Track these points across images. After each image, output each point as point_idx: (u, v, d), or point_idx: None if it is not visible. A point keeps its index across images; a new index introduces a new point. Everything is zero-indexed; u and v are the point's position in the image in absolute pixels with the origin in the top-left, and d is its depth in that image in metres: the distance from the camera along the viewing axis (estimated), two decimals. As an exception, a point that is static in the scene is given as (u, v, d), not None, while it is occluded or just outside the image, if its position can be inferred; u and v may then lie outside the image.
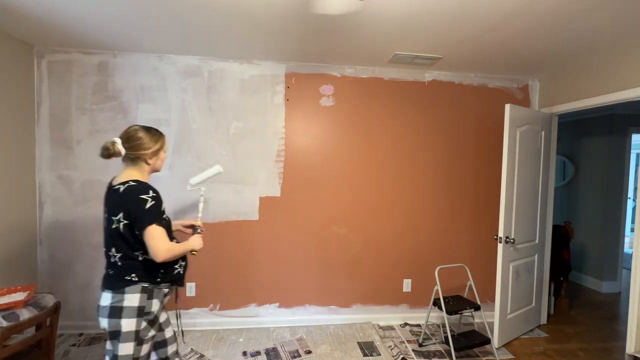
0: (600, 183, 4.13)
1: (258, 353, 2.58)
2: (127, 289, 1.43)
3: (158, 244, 1.41)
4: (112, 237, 1.46)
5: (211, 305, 2.95)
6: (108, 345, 1.45)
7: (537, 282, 3.05)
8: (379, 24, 2.10)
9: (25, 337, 1.65)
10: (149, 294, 1.48)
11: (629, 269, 2.53)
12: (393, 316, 3.15)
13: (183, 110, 2.82)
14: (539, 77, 3.19)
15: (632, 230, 3.90)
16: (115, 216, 1.43)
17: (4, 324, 1.69)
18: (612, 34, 2.18)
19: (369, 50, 2.57)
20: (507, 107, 2.63)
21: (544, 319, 3.19)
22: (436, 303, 2.63)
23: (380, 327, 3.04)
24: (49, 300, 2.01)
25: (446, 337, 2.49)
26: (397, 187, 3.09)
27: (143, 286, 1.46)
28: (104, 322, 1.43)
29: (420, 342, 2.78)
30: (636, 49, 2.33)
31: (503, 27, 2.10)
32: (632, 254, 2.44)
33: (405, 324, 3.12)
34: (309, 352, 2.59)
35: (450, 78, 3.10)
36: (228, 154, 2.88)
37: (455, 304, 2.64)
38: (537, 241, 3.02)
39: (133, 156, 1.52)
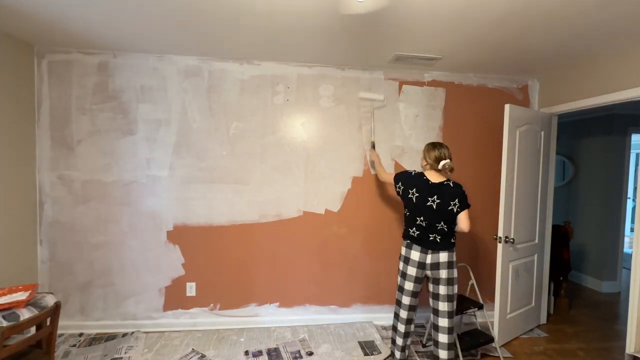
0: (600, 183, 4.13)
1: (260, 353, 2.58)
2: (454, 249, 2.22)
3: (468, 220, 2.18)
4: (446, 216, 2.16)
5: (211, 305, 2.95)
6: (449, 290, 2.18)
7: (536, 282, 3.05)
8: (379, 24, 2.10)
9: (25, 337, 1.65)
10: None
11: (629, 269, 2.53)
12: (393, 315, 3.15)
13: (183, 110, 2.83)
14: (539, 77, 3.19)
15: (632, 230, 3.90)
16: (453, 202, 2.14)
17: (4, 324, 1.69)
18: (612, 34, 2.18)
19: (369, 50, 2.57)
20: (507, 107, 2.63)
21: (543, 319, 3.19)
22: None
23: (383, 328, 3.03)
24: (49, 300, 2.01)
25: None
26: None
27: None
28: (446, 273, 2.17)
29: (423, 342, 2.78)
30: (636, 49, 2.33)
31: (503, 27, 2.10)
32: (632, 254, 2.44)
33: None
34: (310, 353, 2.59)
35: (450, 78, 3.10)
36: (228, 154, 2.88)
37: (458, 303, 2.64)
38: (536, 241, 3.02)
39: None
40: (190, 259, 2.89)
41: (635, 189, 5.61)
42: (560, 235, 3.43)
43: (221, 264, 2.93)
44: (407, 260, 2.25)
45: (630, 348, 2.40)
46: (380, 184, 3.06)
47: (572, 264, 4.24)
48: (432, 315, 2.27)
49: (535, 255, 3.03)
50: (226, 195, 2.90)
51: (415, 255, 2.22)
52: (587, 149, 4.32)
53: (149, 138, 2.80)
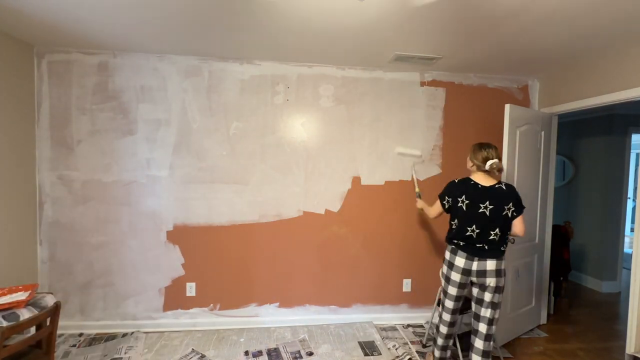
0: (600, 183, 4.13)
1: (260, 353, 2.58)
2: (503, 257, 2.07)
3: (524, 225, 2.10)
4: (500, 222, 2.04)
5: (211, 305, 2.95)
6: (495, 297, 2.05)
7: (537, 282, 3.05)
8: (379, 24, 2.10)
9: (25, 337, 1.65)
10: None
11: (629, 269, 2.53)
12: (393, 316, 3.15)
13: (183, 110, 2.82)
14: (539, 77, 3.19)
15: (632, 230, 3.90)
16: (507, 206, 2.04)
17: (4, 324, 1.69)
18: (612, 34, 2.18)
19: (369, 50, 2.57)
20: (507, 107, 2.63)
21: (543, 319, 3.19)
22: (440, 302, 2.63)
23: (383, 329, 3.03)
24: (49, 300, 2.01)
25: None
26: (397, 186, 3.09)
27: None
28: (495, 281, 2.03)
29: (424, 342, 2.78)
30: (636, 49, 2.33)
31: (503, 26, 2.10)
32: (632, 254, 2.44)
33: (408, 325, 3.11)
34: (310, 353, 2.59)
35: (450, 78, 3.10)
36: (228, 154, 2.88)
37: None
38: (537, 241, 3.02)
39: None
40: (190, 259, 2.89)
41: (635, 189, 5.61)
42: (561, 235, 3.43)
43: (221, 264, 2.93)
44: (451, 266, 2.11)
45: (630, 348, 2.39)
46: (378, 186, 3.06)
47: (572, 264, 4.24)
48: (472, 319, 2.18)
49: (536, 255, 3.03)
50: (226, 195, 2.90)
51: (460, 261, 2.08)
52: (587, 149, 4.32)
53: (149, 138, 2.80)
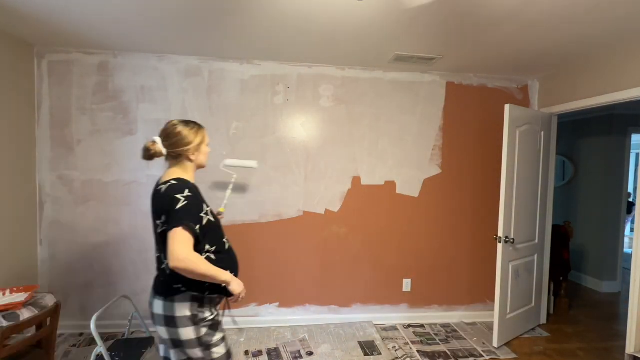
0: (600, 183, 4.13)
1: (260, 353, 2.58)
2: (176, 297, 1.33)
3: (175, 248, 1.22)
4: (160, 243, 1.37)
5: (211, 305, 2.94)
6: (172, 354, 1.39)
7: (536, 282, 3.05)
8: (380, 24, 2.10)
9: (25, 337, 1.65)
10: (200, 302, 1.38)
11: (629, 269, 2.53)
12: (393, 316, 3.15)
13: (183, 110, 2.82)
14: (539, 77, 3.19)
15: (632, 230, 3.90)
16: (159, 219, 1.33)
17: (4, 324, 1.69)
18: (612, 34, 2.18)
19: (369, 50, 2.57)
20: (507, 107, 2.63)
21: (543, 319, 3.19)
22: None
23: (383, 329, 3.03)
24: (49, 300, 2.01)
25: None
26: (397, 186, 3.09)
27: (192, 295, 1.35)
28: (161, 331, 1.37)
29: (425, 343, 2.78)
30: (636, 49, 2.33)
31: (503, 27, 2.10)
32: (632, 254, 2.44)
33: (409, 325, 3.11)
34: (310, 353, 2.59)
35: (450, 78, 3.10)
36: (228, 154, 2.88)
37: None
38: (536, 241, 3.02)
39: (174, 154, 1.44)
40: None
41: (635, 189, 5.61)
42: (560, 235, 3.43)
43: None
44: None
45: (630, 348, 2.39)
46: (378, 186, 3.06)
47: (572, 264, 4.24)
48: None
49: (535, 255, 3.03)
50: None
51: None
52: (587, 149, 4.32)
53: (149, 138, 2.77)
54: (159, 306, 1.36)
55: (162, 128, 1.49)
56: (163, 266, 1.38)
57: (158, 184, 1.41)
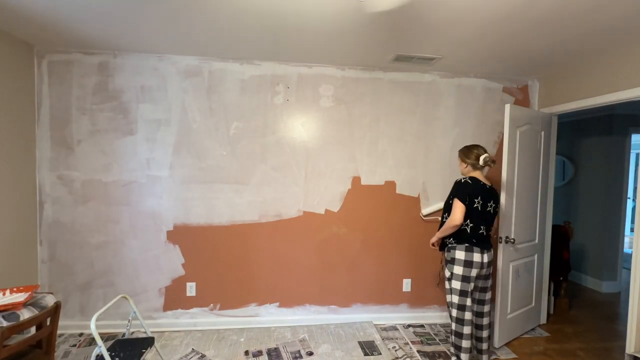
0: (600, 183, 4.13)
1: (260, 353, 2.58)
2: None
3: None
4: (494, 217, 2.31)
5: (211, 305, 2.95)
6: (488, 283, 2.36)
7: (537, 282, 3.05)
8: (380, 24, 2.10)
9: (25, 337, 1.65)
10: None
11: (629, 269, 2.53)
12: (393, 316, 3.15)
13: (183, 110, 2.83)
14: (539, 77, 3.19)
15: (632, 230, 3.90)
16: (496, 203, 2.29)
17: (4, 324, 1.68)
18: (612, 34, 2.18)
19: (369, 50, 2.57)
20: (507, 107, 2.63)
21: (543, 319, 3.19)
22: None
23: (383, 329, 3.03)
24: (49, 300, 2.01)
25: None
26: (397, 186, 3.09)
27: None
28: (489, 269, 2.32)
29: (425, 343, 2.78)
30: (636, 49, 2.33)
31: (503, 27, 2.10)
32: (632, 254, 2.44)
33: (409, 325, 3.11)
34: (310, 353, 2.59)
35: (450, 78, 3.10)
36: (228, 154, 2.88)
37: None
38: (537, 241, 3.02)
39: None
40: (190, 259, 2.89)
41: (635, 189, 5.61)
42: (561, 235, 3.43)
43: (221, 264, 2.93)
44: (469, 264, 2.22)
45: (630, 348, 2.39)
46: (378, 186, 3.06)
47: (572, 264, 4.24)
48: (474, 310, 2.42)
49: (536, 255, 3.03)
50: (226, 195, 2.90)
51: (477, 257, 2.23)
52: (587, 149, 4.32)
53: (149, 138, 2.80)
54: (491, 254, 2.31)
55: (479, 149, 2.31)
56: (490, 232, 2.32)
57: (492, 185, 2.30)
